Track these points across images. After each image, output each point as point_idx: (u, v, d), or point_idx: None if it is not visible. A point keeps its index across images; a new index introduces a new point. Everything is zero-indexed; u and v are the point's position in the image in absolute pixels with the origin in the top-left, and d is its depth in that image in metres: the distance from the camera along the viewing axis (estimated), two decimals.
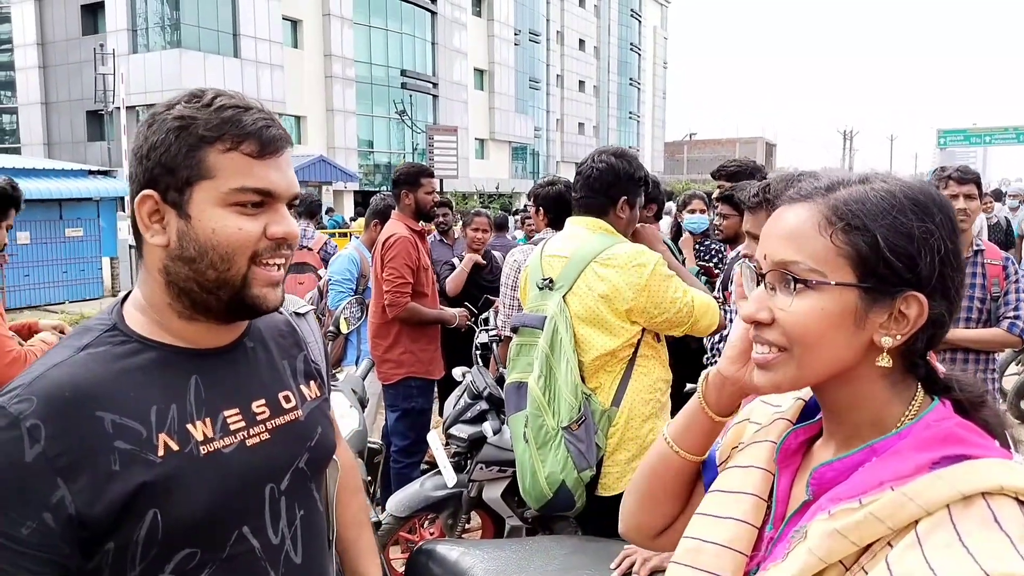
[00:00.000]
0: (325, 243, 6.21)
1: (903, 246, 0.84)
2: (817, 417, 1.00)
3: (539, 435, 2.40)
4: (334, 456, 1.31)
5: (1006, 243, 8.61)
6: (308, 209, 6.61)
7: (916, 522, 0.76)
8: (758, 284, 0.93)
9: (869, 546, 0.79)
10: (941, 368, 0.91)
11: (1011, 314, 3.08)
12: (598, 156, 2.59)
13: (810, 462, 0.98)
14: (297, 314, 1.31)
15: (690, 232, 4.97)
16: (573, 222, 2.63)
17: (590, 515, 2.52)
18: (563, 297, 2.43)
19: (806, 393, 1.05)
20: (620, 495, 2.34)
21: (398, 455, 4.11)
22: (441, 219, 5.96)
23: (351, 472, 1.45)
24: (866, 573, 0.78)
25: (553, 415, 2.38)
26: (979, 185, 3.15)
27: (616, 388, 2.42)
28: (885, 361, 0.86)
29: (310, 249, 6.19)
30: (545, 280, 2.53)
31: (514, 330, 2.65)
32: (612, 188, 2.53)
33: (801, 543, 0.84)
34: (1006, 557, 0.70)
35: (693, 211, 4.94)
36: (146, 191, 1.02)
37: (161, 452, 0.99)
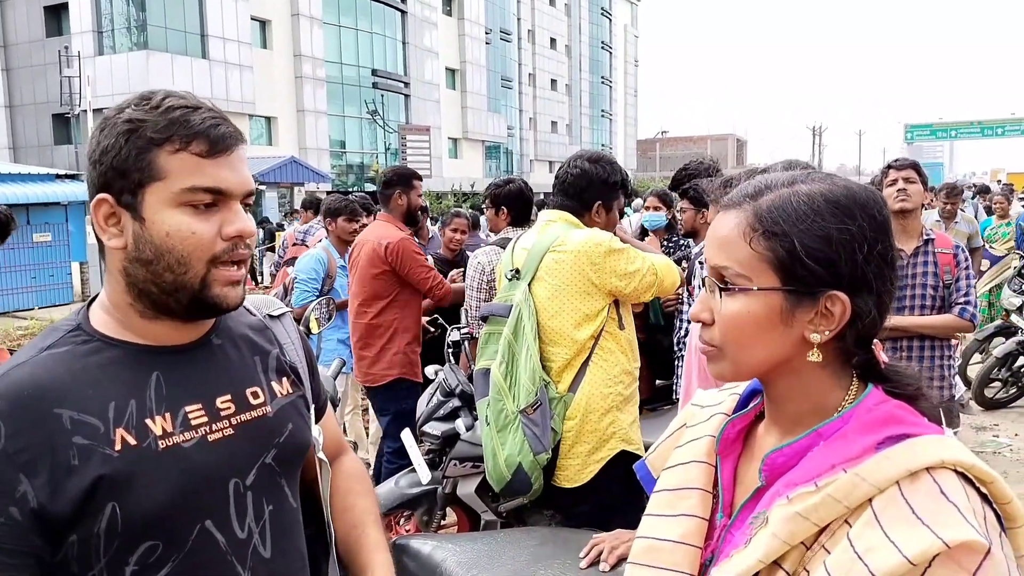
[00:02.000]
0: (322, 239, 6.23)
1: (820, 249, 0.88)
2: (751, 406, 1.06)
3: (499, 419, 2.47)
4: (322, 457, 1.32)
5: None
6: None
7: (870, 500, 0.81)
8: (701, 285, 0.99)
9: (828, 525, 0.84)
10: (884, 358, 0.96)
11: (962, 300, 3.18)
12: (573, 161, 2.64)
13: (752, 449, 1.03)
14: (271, 316, 1.32)
15: (649, 229, 5.05)
16: (543, 214, 2.69)
17: (559, 506, 2.58)
18: (528, 286, 2.49)
19: (740, 387, 1.11)
20: (584, 486, 2.43)
21: (392, 456, 4.12)
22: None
23: (358, 476, 1.45)
24: (827, 551, 0.83)
25: (513, 399, 2.45)
26: (919, 172, 3.30)
27: (574, 376, 2.47)
28: (815, 356, 0.91)
29: (307, 245, 6.20)
30: (513, 271, 2.60)
31: (484, 319, 2.71)
32: (586, 193, 2.59)
33: (763, 528, 0.88)
34: (958, 525, 0.76)
35: (648, 208, 5.05)
36: (101, 195, 1.04)
37: (118, 446, 1.00)
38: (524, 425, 2.41)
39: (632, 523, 2.47)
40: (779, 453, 0.93)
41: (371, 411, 5.28)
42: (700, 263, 3.35)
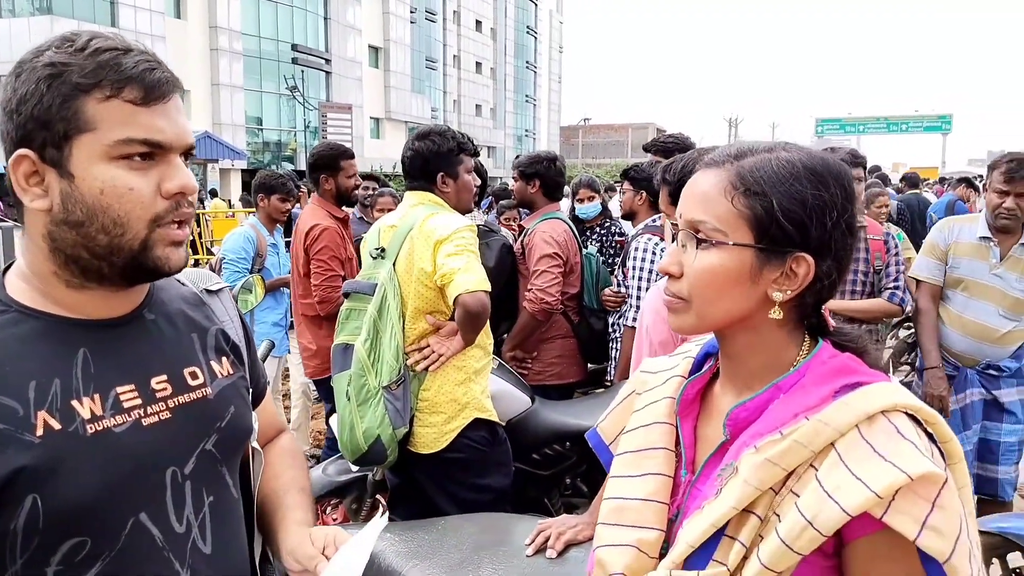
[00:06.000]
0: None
1: (796, 211, 0.93)
2: (705, 368, 1.12)
3: (360, 393, 2.53)
4: (255, 445, 1.22)
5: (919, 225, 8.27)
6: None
7: (832, 444, 0.88)
8: (673, 240, 1.00)
9: (794, 470, 0.90)
10: (832, 321, 1.04)
11: (891, 285, 3.29)
12: (407, 144, 2.74)
13: (710, 408, 1.09)
14: (208, 291, 1.21)
15: (586, 219, 5.03)
16: (408, 196, 2.77)
17: (413, 470, 2.68)
18: (392, 265, 2.56)
19: (694, 351, 1.18)
20: (437, 453, 2.54)
21: (330, 449, 3.99)
22: (365, 192, 5.40)
23: (291, 451, 1.35)
24: (795, 494, 0.89)
25: (375, 375, 2.52)
26: (865, 168, 3.34)
27: None
28: (777, 314, 0.97)
29: None
30: (378, 249, 2.66)
31: (346, 295, 2.73)
32: (424, 170, 2.68)
33: (733, 477, 0.93)
34: (917, 460, 0.84)
35: (582, 200, 5.01)
36: (20, 151, 0.91)
37: (40, 431, 0.89)
38: (386, 400, 2.49)
39: (485, 483, 2.56)
40: (742, 408, 0.99)
41: (292, 397, 5.11)
42: (637, 248, 3.34)
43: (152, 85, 0.93)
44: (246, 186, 29.85)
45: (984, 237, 3.17)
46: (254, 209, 4.82)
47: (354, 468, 3.12)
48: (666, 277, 1.03)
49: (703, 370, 1.12)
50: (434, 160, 2.66)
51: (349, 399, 2.56)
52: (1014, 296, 3.11)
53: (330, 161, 3.91)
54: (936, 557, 0.82)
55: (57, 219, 0.93)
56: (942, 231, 3.32)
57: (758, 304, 0.97)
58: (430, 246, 2.47)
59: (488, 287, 2.43)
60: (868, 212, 5.59)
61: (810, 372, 0.97)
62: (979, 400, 3.21)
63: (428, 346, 2.54)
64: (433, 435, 2.56)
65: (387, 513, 1.23)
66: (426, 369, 2.54)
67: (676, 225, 1.02)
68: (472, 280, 2.39)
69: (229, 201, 22.52)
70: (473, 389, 2.59)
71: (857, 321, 3.27)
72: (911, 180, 10.60)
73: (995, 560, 2.61)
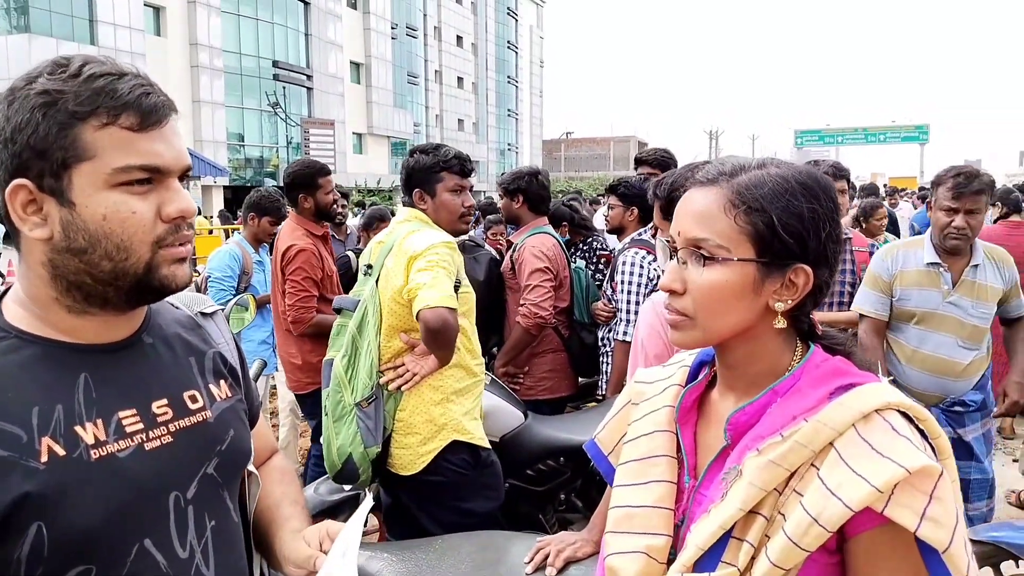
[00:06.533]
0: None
1: (795, 225, 0.98)
2: (700, 376, 1.15)
3: (336, 409, 2.50)
4: (252, 470, 1.20)
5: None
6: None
7: (831, 443, 0.91)
8: (670, 258, 1.05)
9: (796, 471, 0.93)
10: (820, 326, 1.09)
11: None
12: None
13: (708, 415, 1.12)
14: (203, 314, 1.21)
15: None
16: (398, 210, 2.79)
17: (397, 490, 2.62)
18: (375, 282, 2.53)
19: (688, 360, 1.21)
20: (416, 475, 2.47)
21: (319, 461, 3.95)
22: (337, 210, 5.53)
23: (282, 469, 1.35)
24: (799, 494, 0.92)
25: (351, 392, 2.48)
26: (849, 181, 3.36)
27: None
28: (781, 323, 1.02)
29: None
30: (367, 266, 2.65)
31: (337, 311, 2.72)
32: (406, 186, 2.71)
33: (738, 480, 0.96)
34: (914, 455, 0.87)
35: None
36: (17, 180, 0.90)
37: (44, 458, 0.88)
38: (359, 418, 2.45)
39: (468, 507, 2.50)
40: (741, 413, 1.02)
41: (280, 415, 5.07)
42: (624, 262, 3.35)
43: (149, 110, 0.92)
44: (228, 203, 29.74)
45: (932, 263, 2.91)
46: (234, 225, 4.79)
47: (346, 488, 3.10)
48: (658, 290, 1.04)
49: (699, 378, 1.15)
50: (414, 176, 2.66)
51: (327, 414, 2.54)
52: (972, 324, 2.87)
53: (307, 179, 3.87)
54: (936, 547, 0.85)
55: (58, 247, 0.92)
56: (884, 260, 3.04)
57: (759, 315, 1.01)
58: (404, 262, 2.43)
59: (453, 304, 2.35)
60: (868, 224, 5.66)
61: (805, 376, 1.01)
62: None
63: (403, 364, 2.49)
64: (409, 456, 2.50)
65: (371, 494, 1.24)
66: (400, 388, 2.48)
67: (670, 242, 1.05)
68: (434, 296, 2.29)
69: (211, 218, 22.40)
70: (452, 410, 2.52)
71: (842, 332, 3.29)
72: (869, 189, 10.81)
73: (989, 568, 2.61)
